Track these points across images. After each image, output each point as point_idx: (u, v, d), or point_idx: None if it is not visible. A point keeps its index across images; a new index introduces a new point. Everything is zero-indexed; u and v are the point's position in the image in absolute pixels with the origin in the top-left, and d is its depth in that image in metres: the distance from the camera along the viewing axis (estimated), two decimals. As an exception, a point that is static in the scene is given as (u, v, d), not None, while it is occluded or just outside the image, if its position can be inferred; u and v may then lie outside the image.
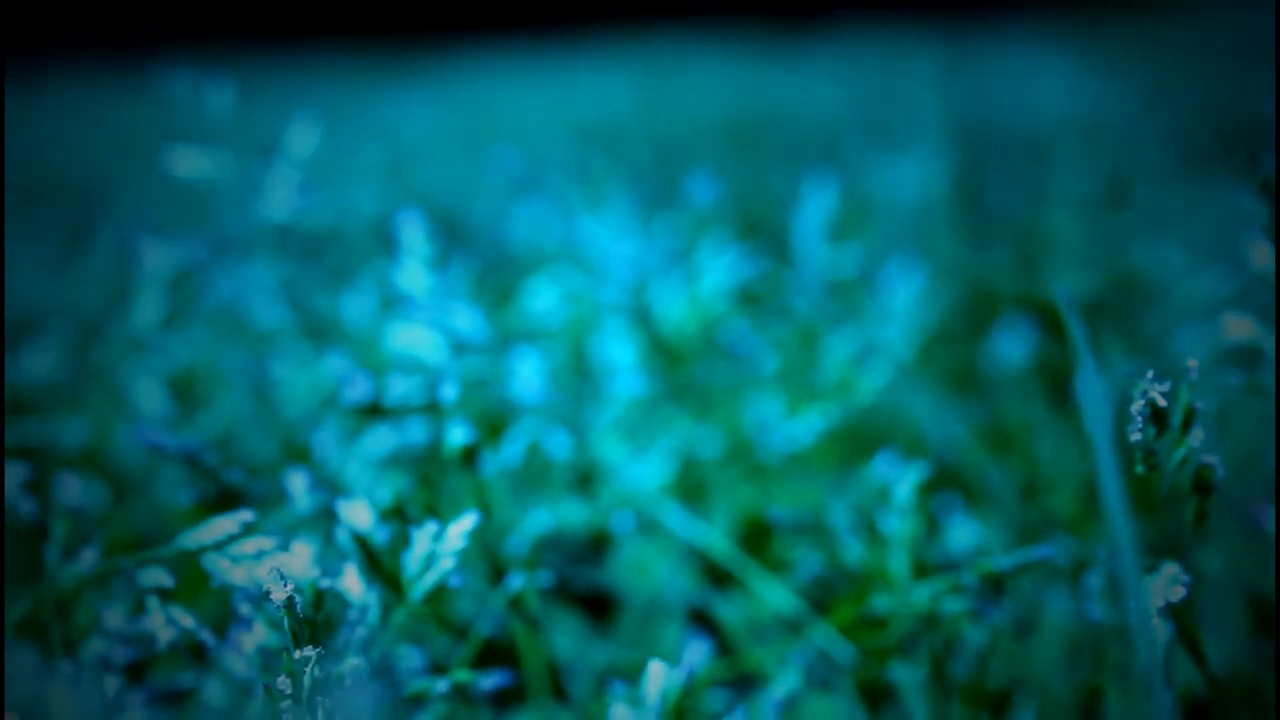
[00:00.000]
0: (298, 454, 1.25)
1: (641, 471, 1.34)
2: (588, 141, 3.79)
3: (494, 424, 1.42)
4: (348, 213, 1.92)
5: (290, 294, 1.43)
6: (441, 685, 0.95)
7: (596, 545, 1.32)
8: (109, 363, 1.42)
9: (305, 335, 1.43)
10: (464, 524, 0.91)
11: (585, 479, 1.33)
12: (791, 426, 1.41)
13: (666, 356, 1.44)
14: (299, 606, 0.81)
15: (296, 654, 0.79)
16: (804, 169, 3.07)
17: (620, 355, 1.44)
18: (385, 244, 1.78)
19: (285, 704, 0.79)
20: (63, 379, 1.42)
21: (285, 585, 0.80)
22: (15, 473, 1.06)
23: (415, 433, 1.23)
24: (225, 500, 1.08)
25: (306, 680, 0.79)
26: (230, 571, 0.93)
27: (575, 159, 3.01)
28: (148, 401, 1.32)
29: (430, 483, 1.12)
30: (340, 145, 3.50)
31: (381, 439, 1.22)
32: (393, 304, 1.53)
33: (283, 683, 0.79)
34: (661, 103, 4.94)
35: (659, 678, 0.78)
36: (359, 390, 1.13)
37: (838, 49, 6.16)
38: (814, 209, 1.63)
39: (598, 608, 1.29)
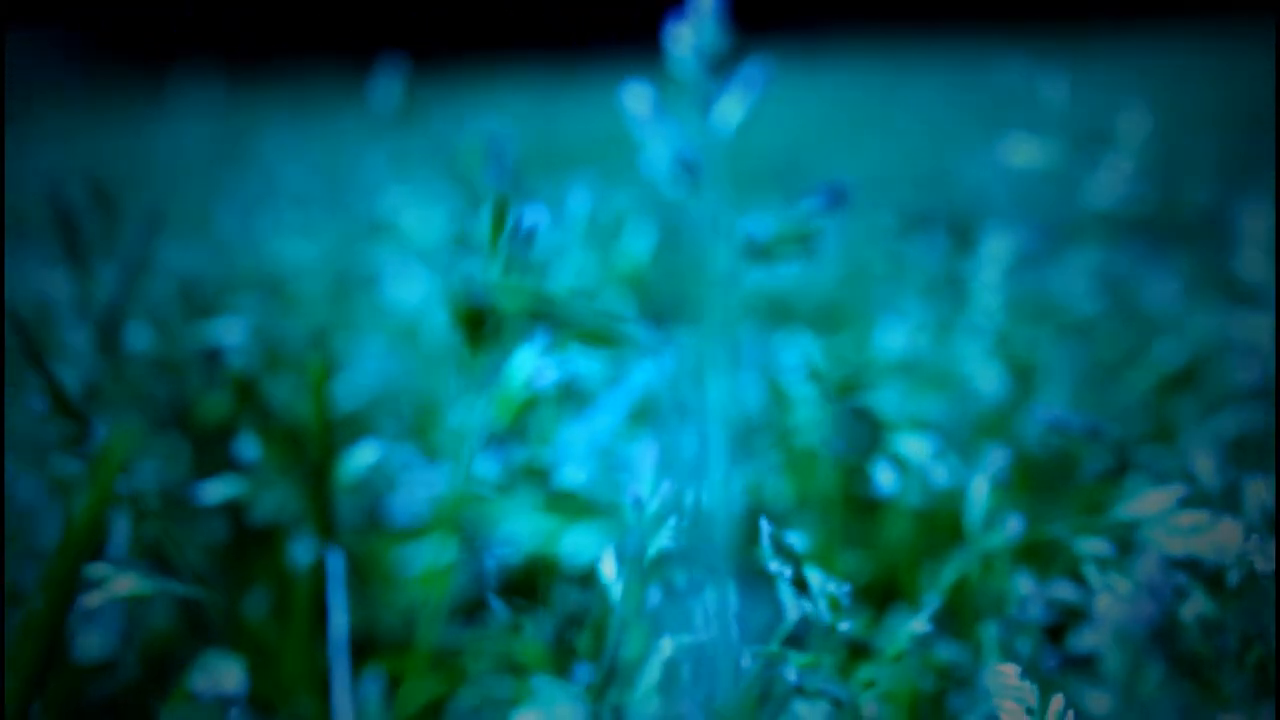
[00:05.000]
0: (1159, 433, 1.30)
1: None
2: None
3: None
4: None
5: (1104, 281, 1.48)
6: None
7: None
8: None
9: (1124, 321, 1.48)
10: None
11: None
12: None
13: None
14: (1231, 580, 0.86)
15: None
16: None
17: None
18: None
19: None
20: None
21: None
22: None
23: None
24: (1119, 473, 1.14)
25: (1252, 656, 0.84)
26: (1169, 543, 0.98)
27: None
28: (983, 382, 1.38)
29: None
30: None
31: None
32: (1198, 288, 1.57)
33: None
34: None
35: None
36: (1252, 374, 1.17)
37: None
38: None
39: None
